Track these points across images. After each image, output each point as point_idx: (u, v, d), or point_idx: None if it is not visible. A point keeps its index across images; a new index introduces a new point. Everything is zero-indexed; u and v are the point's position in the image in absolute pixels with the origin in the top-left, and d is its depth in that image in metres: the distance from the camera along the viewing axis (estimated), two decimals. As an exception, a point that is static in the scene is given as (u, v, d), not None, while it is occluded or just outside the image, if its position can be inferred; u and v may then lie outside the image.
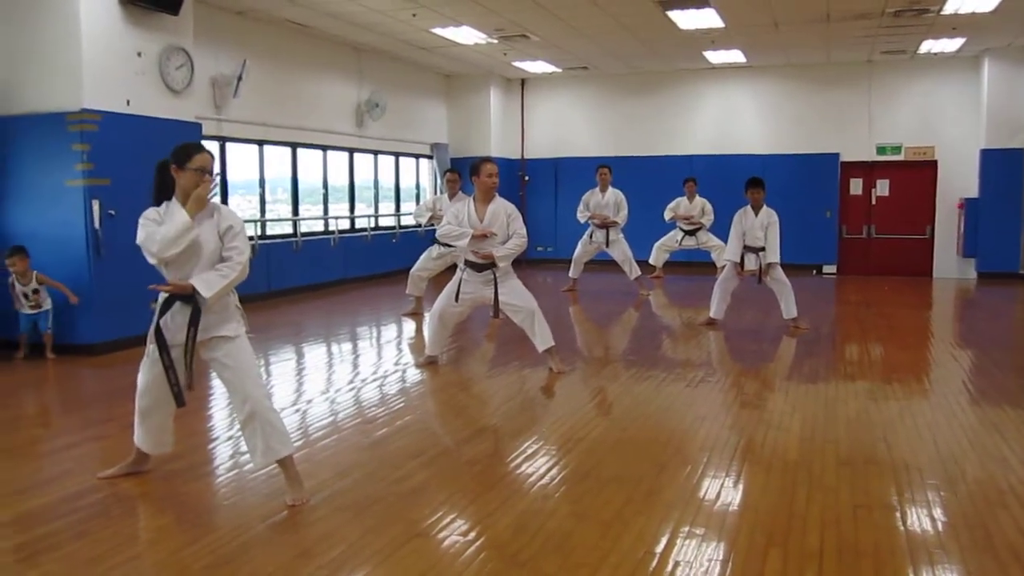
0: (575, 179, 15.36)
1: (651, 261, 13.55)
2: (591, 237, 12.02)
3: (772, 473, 4.53)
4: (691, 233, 13.20)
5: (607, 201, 11.81)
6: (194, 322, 4.09)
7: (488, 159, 6.96)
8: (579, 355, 7.91)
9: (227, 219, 4.16)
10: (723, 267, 9.49)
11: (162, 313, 4.14)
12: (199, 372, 4.32)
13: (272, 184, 12.31)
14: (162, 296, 4.15)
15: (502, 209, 6.83)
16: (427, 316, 8.17)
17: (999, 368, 7.30)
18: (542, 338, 6.95)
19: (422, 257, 10.10)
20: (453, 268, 7.41)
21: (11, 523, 3.87)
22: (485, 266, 6.83)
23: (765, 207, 8.96)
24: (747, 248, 8.98)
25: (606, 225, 11.78)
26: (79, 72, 7.61)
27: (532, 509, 4.01)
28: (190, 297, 4.06)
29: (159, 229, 3.97)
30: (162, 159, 4.18)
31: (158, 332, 4.14)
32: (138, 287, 7.96)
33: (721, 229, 12.58)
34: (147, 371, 4.27)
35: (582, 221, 12.02)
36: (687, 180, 13.22)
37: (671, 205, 13.26)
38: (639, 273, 12.03)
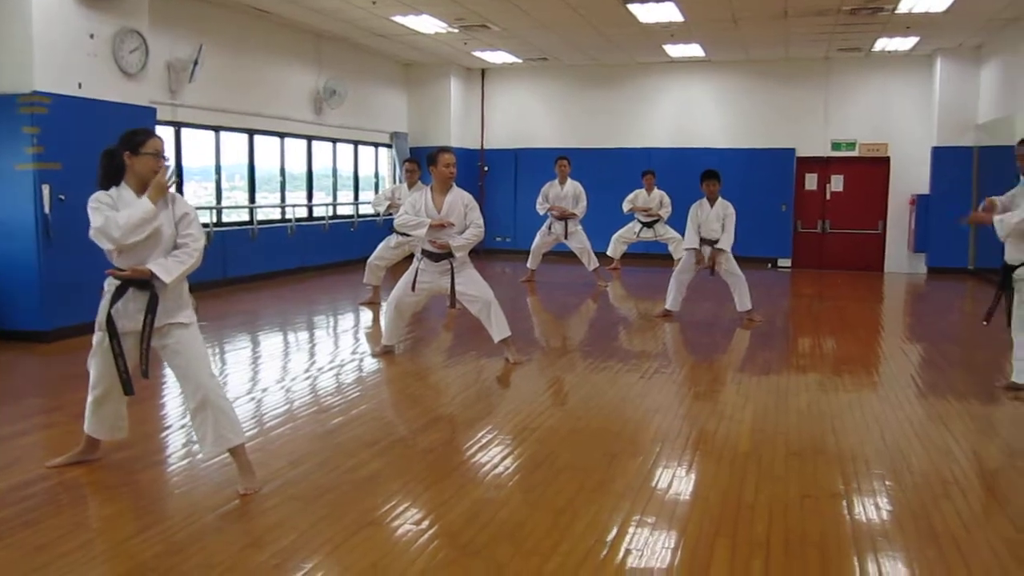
0: (535, 170, 15.38)
1: (609, 253, 13.62)
2: (550, 228, 12.06)
3: (723, 463, 4.60)
4: (649, 225, 13.29)
5: (566, 193, 11.86)
6: (151, 308, 4.05)
7: (446, 149, 6.96)
8: (536, 345, 7.94)
9: (181, 207, 4.14)
10: (679, 259, 9.58)
11: (114, 300, 4.08)
12: (152, 360, 4.26)
13: (229, 171, 12.17)
14: (112, 283, 4.09)
15: (459, 199, 6.83)
16: (384, 305, 8.14)
17: (947, 361, 7.46)
18: (498, 328, 6.97)
19: (380, 246, 10.06)
20: (411, 257, 7.39)
21: (-45, 512, 3.81)
22: (442, 256, 6.83)
23: (721, 199, 9.05)
24: (701, 240, 9.07)
25: (564, 217, 11.83)
26: (30, 53, 7.45)
27: (485, 498, 4.03)
28: (146, 283, 4.02)
29: (118, 215, 3.92)
30: (108, 147, 4.12)
31: (109, 320, 4.09)
32: (89, 273, 7.85)
33: (679, 221, 12.71)
34: (98, 359, 4.21)
35: (541, 212, 12.06)
36: (645, 173, 13.31)
37: (629, 197, 13.34)
38: (597, 264, 12.10)
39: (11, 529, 3.59)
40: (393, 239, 9.87)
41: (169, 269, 3.99)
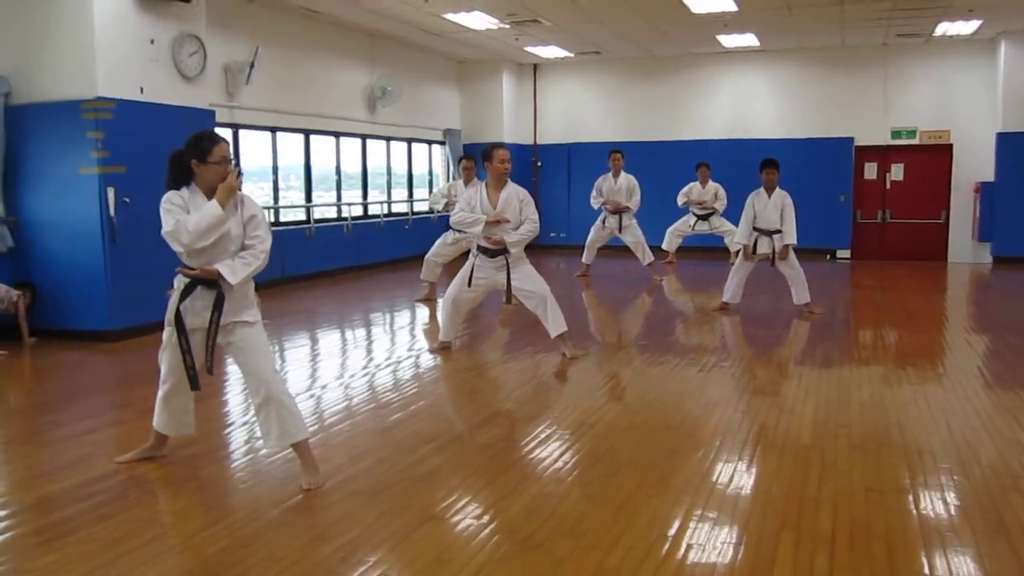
0: (588, 164, 15.33)
1: (664, 246, 13.54)
2: (604, 223, 12.01)
3: (785, 457, 4.54)
4: (704, 218, 13.18)
5: (619, 186, 11.79)
6: (218, 307, 4.14)
7: (500, 145, 6.97)
8: (592, 340, 7.92)
9: (250, 208, 4.22)
10: (737, 251, 9.48)
11: (182, 298, 4.18)
12: (216, 357, 4.35)
13: (285, 171, 12.34)
14: (181, 281, 4.19)
15: (515, 195, 6.84)
16: (440, 302, 8.19)
17: (1013, 353, 7.27)
18: (555, 324, 6.96)
19: (437, 243, 10.12)
20: (467, 253, 7.42)
21: (32, 507, 3.92)
22: (497, 252, 6.84)
23: (778, 189, 8.92)
24: (759, 231, 8.94)
25: (619, 211, 11.76)
26: (93, 60, 7.64)
27: (545, 492, 4.04)
28: (213, 282, 4.11)
29: (188, 219, 4.01)
30: (176, 149, 4.21)
31: (177, 316, 4.18)
32: (153, 274, 8.05)
33: (734, 214, 12.54)
34: (168, 354, 4.31)
35: (595, 207, 12.00)
36: (699, 165, 13.20)
37: (684, 190, 13.25)
38: (652, 258, 12.02)
39: (84, 524, 3.69)
40: (450, 235, 9.91)
41: (235, 270, 4.08)
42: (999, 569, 3.21)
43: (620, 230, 11.86)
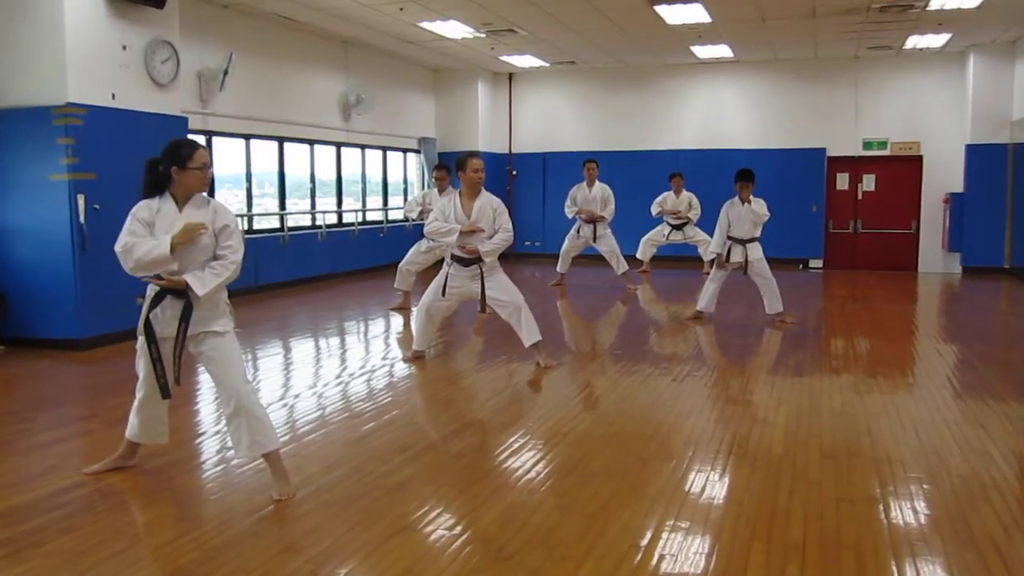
0: (563, 173, 15.37)
1: (638, 255, 13.59)
2: (578, 232, 12.04)
3: (756, 467, 4.56)
4: (678, 228, 13.26)
5: (594, 196, 11.83)
6: (185, 317, 4.10)
7: (474, 154, 6.97)
8: (567, 350, 7.93)
9: (223, 217, 4.17)
10: (711, 260, 9.53)
11: (152, 306, 4.14)
12: (186, 367, 4.31)
13: (259, 179, 12.28)
14: (152, 289, 4.15)
15: (488, 204, 6.84)
16: (414, 311, 8.17)
17: (983, 362, 7.36)
18: (529, 333, 6.96)
19: (411, 251, 10.10)
20: (442, 262, 7.41)
21: (-4, 518, 3.87)
22: (472, 261, 6.84)
23: (752, 197, 8.96)
24: (733, 239, 9.00)
25: (593, 220, 11.80)
26: (63, 65, 7.57)
27: (518, 503, 4.03)
28: (182, 292, 4.07)
29: (138, 245, 3.97)
30: (152, 157, 4.17)
31: (147, 325, 4.14)
32: (123, 282, 7.97)
33: (707, 223, 12.63)
34: (143, 362, 4.27)
35: (569, 216, 12.03)
36: (673, 175, 13.29)
37: (658, 200, 13.33)
38: (626, 268, 12.06)
39: (50, 536, 3.64)
40: (424, 244, 9.89)
41: (204, 281, 4.04)
42: (967, 578, 3.24)
43: (595, 240, 11.90)
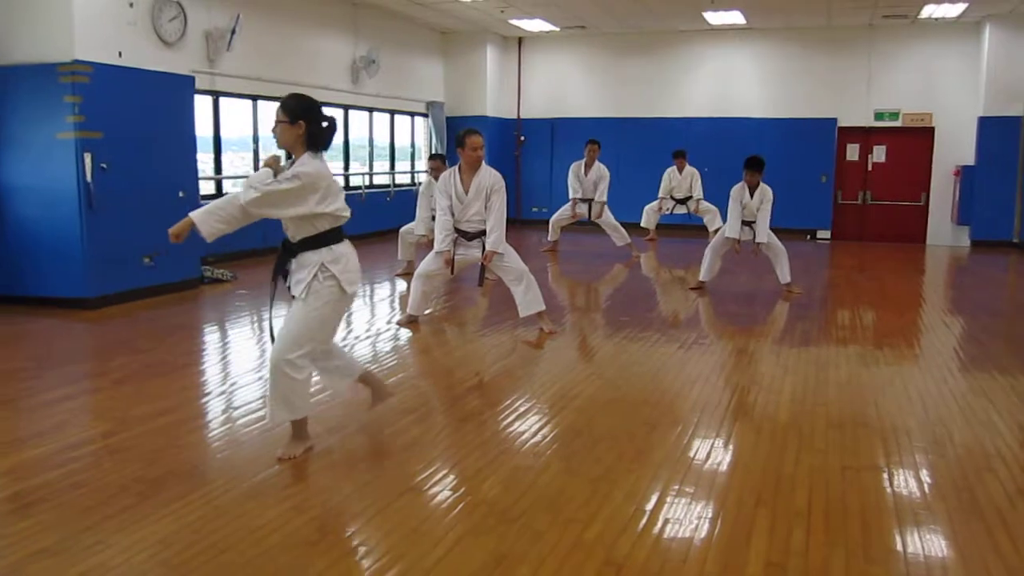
0: (571, 140, 15.31)
1: (643, 224, 13.55)
2: (574, 207, 12.01)
3: (762, 434, 4.57)
4: (682, 202, 13.24)
5: (591, 179, 11.78)
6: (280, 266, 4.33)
7: (473, 131, 6.82)
8: (569, 315, 7.92)
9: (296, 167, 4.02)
10: (715, 230, 9.49)
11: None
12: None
13: (266, 141, 12.20)
14: None
15: (485, 180, 6.77)
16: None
17: (989, 335, 7.34)
18: (530, 302, 6.92)
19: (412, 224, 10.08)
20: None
21: (6, 473, 3.89)
22: (475, 235, 6.83)
23: (761, 185, 8.91)
24: (744, 223, 8.96)
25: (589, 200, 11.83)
26: (70, 22, 7.49)
27: (524, 466, 4.04)
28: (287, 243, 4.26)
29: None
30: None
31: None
32: (131, 241, 8.01)
33: (712, 195, 12.61)
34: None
35: (571, 196, 11.99)
36: (676, 154, 13.24)
37: (664, 180, 13.31)
38: (628, 240, 12.02)
39: (59, 491, 3.66)
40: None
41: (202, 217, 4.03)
42: (971, 547, 3.25)
43: (590, 217, 11.84)
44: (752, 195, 8.87)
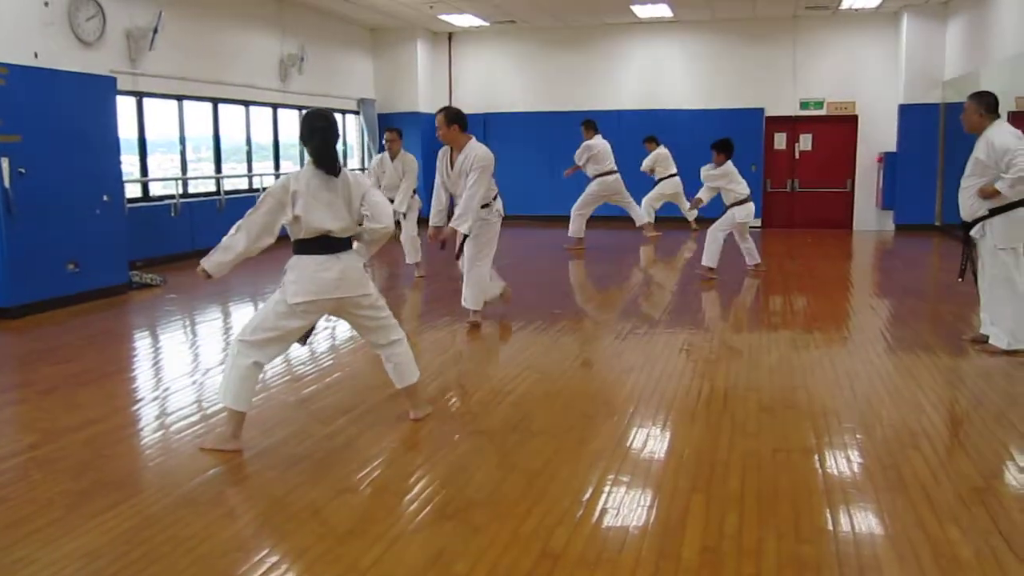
0: (505, 135, 15.29)
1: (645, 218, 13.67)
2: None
3: (696, 421, 4.63)
4: (668, 178, 13.62)
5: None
6: None
7: (439, 111, 6.94)
8: (507, 309, 7.93)
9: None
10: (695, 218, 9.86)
11: None
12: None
13: (195, 143, 11.99)
14: None
15: (467, 158, 6.77)
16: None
17: (914, 316, 7.55)
18: (472, 295, 6.93)
19: None
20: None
21: (-76, 490, 3.76)
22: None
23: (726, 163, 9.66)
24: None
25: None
26: (-17, 23, 7.26)
27: (461, 462, 4.04)
28: None
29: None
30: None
31: None
32: (52, 248, 7.78)
33: (641, 187, 12.74)
34: None
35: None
36: (647, 139, 13.73)
37: (646, 164, 13.70)
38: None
39: (-18, 506, 3.55)
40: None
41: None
42: (897, 523, 3.34)
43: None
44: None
